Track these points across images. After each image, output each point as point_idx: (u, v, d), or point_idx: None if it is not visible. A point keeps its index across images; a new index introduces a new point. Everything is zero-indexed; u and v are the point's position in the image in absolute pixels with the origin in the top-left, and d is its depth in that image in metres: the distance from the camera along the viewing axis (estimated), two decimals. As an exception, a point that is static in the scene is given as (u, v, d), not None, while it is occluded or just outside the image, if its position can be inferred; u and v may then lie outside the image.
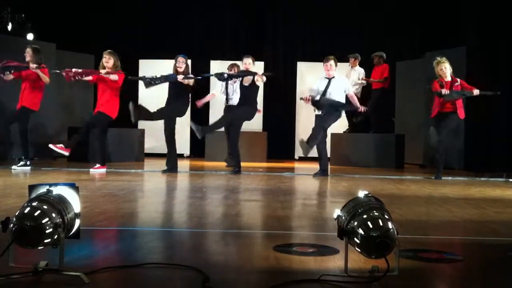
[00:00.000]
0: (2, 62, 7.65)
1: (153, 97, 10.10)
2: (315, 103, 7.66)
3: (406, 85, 10.96)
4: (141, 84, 11.40)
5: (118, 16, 11.96)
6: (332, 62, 7.74)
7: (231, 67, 9.37)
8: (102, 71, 7.60)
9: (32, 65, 7.65)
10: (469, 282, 2.52)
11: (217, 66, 11.13)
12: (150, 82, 7.70)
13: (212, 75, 8.67)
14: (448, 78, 7.53)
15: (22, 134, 7.84)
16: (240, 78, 8.01)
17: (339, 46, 11.82)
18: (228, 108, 9.23)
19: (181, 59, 7.80)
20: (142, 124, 11.18)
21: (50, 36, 10.14)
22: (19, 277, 2.17)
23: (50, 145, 7.46)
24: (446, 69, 7.53)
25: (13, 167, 7.65)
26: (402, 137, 10.05)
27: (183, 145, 11.30)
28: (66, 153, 7.49)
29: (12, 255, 2.20)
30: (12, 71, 7.69)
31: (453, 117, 7.52)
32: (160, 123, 10.68)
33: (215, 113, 10.04)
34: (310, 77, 11.33)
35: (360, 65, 10.48)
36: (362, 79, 10.33)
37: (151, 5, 12.16)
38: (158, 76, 7.71)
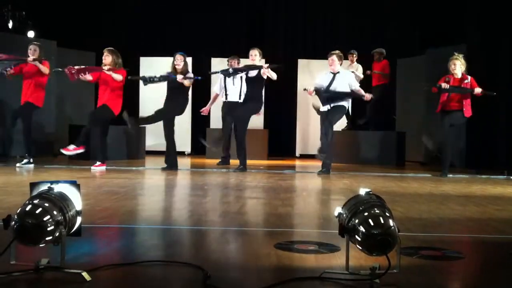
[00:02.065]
0: None
1: (154, 97, 10.11)
2: (318, 95, 7.63)
3: (407, 82, 10.95)
4: (142, 83, 11.46)
5: (119, 14, 11.96)
6: (334, 57, 7.68)
7: (231, 59, 9.36)
8: (105, 68, 7.50)
9: (30, 58, 7.63)
10: (470, 279, 2.52)
11: (218, 63, 11.12)
12: (148, 80, 7.69)
13: (217, 72, 8.58)
14: (458, 75, 7.54)
15: (26, 131, 7.84)
16: (246, 72, 7.94)
17: (340, 43, 11.81)
18: (228, 104, 9.22)
19: (179, 56, 7.77)
20: (143, 122, 11.19)
21: (51, 33, 10.14)
22: (20, 274, 2.17)
23: (62, 150, 7.42)
24: (455, 65, 7.53)
25: (17, 164, 7.65)
26: (403, 135, 10.04)
27: (184, 143, 11.30)
28: (81, 150, 7.45)
29: (13, 253, 2.20)
30: (12, 66, 7.66)
31: (458, 115, 7.52)
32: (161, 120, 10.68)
33: (216, 110, 10.03)
34: (311, 74, 11.34)
35: (361, 62, 10.47)
36: (368, 73, 10.36)
37: (152, 2, 12.15)
38: (158, 76, 7.70)
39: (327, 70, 7.88)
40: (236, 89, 9.20)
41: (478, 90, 7.42)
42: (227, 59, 9.57)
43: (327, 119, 7.58)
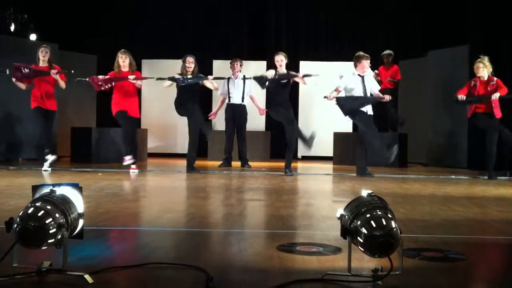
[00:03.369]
0: (21, 65, 7.57)
1: (156, 98, 10.14)
2: (339, 104, 7.52)
3: (409, 84, 10.94)
4: (145, 85, 11.46)
5: (120, 16, 11.98)
6: (368, 60, 7.60)
7: (234, 62, 9.37)
8: (131, 77, 7.61)
9: (53, 71, 7.65)
10: (473, 281, 2.52)
11: (220, 65, 11.15)
12: (184, 81, 7.69)
13: (250, 78, 8.56)
14: (484, 78, 7.55)
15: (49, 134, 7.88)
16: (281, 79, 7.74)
17: (342, 45, 11.84)
18: (231, 107, 9.22)
19: (190, 58, 7.82)
20: (145, 124, 11.21)
21: (52, 36, 10.16)
22: (23, 277, 2.17)
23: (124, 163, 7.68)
24: (478, 68, 7.57)
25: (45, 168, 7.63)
26: (405, 136, 10.04)
27: (186, 145, 11.29)
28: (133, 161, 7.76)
29: (16, 256, 2.20)
30: (33, 75, 7.62)
31: (489, 119, 7.52)
32: (163, 123, 10.68)
33: (219, 112, 10.02)
34: (313, 77, 11.32)
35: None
36: (377, 77, 10.32)
37: (154, 4, 12.17)
38: (189, 76, 7.72)
39: (351, 71, 7.79)
40: (239, 92, 9.23)
41: (496, 95, 7.39)
42: (229, 61, 9.58)
43: (361, 129, 7.60)
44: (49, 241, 2.16)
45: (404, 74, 11.02)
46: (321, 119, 11.36)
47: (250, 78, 8.55)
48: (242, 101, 9.29)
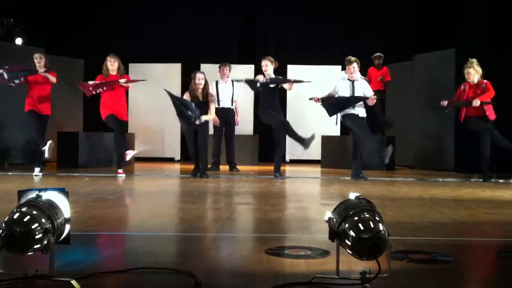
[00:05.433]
0: (6, 68, 7.48)
1: (142, 101, 10.09)
2: (324, 103, 7.54)
3: (395, 87, 11.00)
4: (131, 89, 11.42)
5: (107, 20, 11.92)
6: (355, 64, 7.56)
7: (222, 66, 9.37)
8: (122, 81, 7.62)
9: (41, 70, 7.58)
10: (460, 283, 2.53)
11: (208, 69, 11.13)
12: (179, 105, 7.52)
13: (242, 80, 8.37)
14: (474, 82, 7.57)
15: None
16: (273, 84, 7.65)
17: (329, 49, 11.88)
18: (220, 111, 9.19)
19: (200, 75, 7.63)
20: (132, 128, 11.16)
21: (38, 40, 10.09)
22: (8, 283, 2.15)
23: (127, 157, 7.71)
24: (469, 74, 7.57)
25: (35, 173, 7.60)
26: (392, 139, 10.07)
27: (173, 149, 11.30)
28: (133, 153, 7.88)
29: (1, 262, 2.18)
30: (22, 79, 7.56)
31: (482, 121, 7.54)
32: (150, 127, 10.68)
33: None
34: (304, 83, 11.33)
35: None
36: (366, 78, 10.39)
37: (140, 9, 12.14)
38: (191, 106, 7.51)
39: (341, 76, 7.81)
40: (228, 96, 9.24)
41: (476, 101, 7.41)
42: (218, 65, 9.58)
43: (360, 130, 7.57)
44: (35, 246, 2.15)
45: (391, 77, 11.08)
46: (309, 122, 11.37)
47: (242, 80, 8.48)
48: (231, 105, 9.30)
